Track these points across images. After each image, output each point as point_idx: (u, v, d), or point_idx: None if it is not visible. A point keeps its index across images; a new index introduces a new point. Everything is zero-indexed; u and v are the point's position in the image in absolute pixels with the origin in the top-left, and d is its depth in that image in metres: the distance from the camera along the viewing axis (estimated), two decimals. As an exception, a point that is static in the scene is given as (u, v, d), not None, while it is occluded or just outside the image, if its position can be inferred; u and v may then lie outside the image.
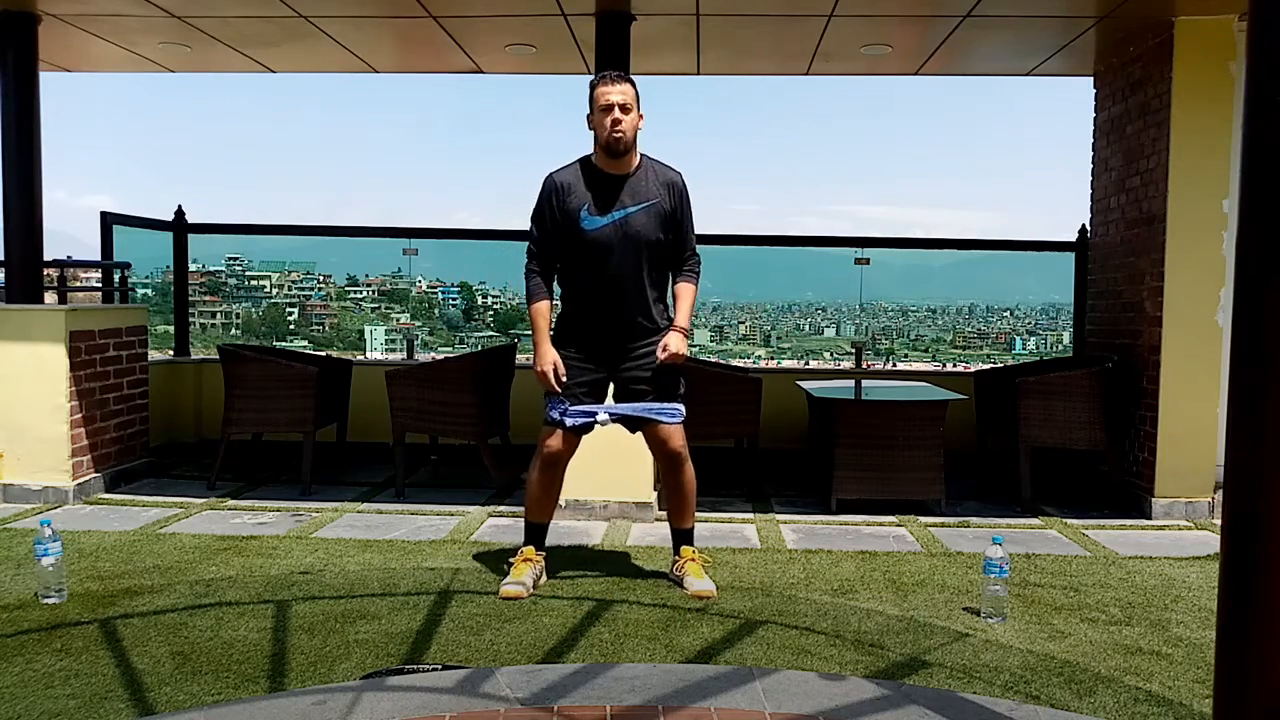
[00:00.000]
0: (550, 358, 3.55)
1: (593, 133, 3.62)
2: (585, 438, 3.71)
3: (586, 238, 3.54)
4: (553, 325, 3.71)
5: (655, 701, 2.52)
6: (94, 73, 6.60)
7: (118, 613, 3.30)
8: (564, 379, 3.56)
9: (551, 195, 3.57)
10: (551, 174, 3.61)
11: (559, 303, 3.79)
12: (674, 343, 3.56)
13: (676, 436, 3.63)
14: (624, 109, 3.48)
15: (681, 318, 3.64)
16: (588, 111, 3.60)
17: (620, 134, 3.48)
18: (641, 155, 3.62)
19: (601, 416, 3.60)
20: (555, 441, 3.60)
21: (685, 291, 3.68)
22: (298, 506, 5.05)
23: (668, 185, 3.59)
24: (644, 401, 3.61)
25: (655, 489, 4.95)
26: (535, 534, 3.75)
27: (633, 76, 5.06)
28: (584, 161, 3.63)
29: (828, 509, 5.11)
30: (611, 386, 3.69)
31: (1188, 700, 2.73)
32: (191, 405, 6.60)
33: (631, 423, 3.70)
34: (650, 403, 3.61)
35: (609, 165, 3.57)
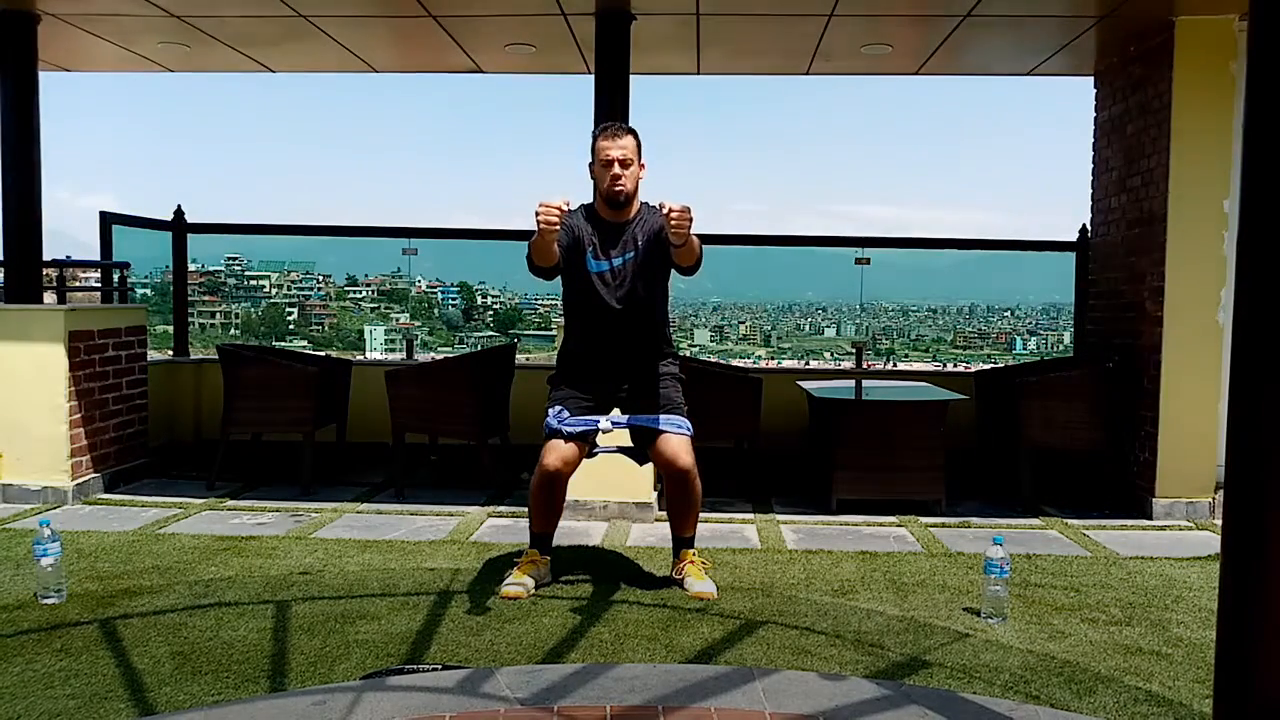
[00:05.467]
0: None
1: (594, 181, 3.62)
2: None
3: (588, 277, 3.57)
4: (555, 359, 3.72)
5: (655, 701, 2.52)
6: (94, 72, 6.60)
7: (117, 613, 3.30)
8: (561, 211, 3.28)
9: (559, 227, 3.57)
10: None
11: (561, 333, 3.83)
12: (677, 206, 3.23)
13: (685, 453, 3.55)
14: (624, 164, 3.49)
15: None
16: (590, 161, 3.61)
17: (620, 189, 3.51)
18: (642, 203, 3.63)
19: (604, 424, 3.57)
20: (554, 459, 3.51)
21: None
22: (297, 507, 5.04)
23: (653, 229, 3.57)
24: (648, 414, 3.61)
25: (655, 488, 4.95)
26: (539, 540, 3.74)
27: (635, 76, 5.11)
28: (587, 208, 3.67)
29: (828, 509, 5.11)
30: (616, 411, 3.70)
31: (1188, 700, 2.73)
32: (191, 405, 6.60)
33: (638, 452, 3.71)
34: (655, 414, 3.60)
35: (610, 214, 3.59)
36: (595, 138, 3.57)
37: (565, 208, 3.28)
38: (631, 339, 3.65)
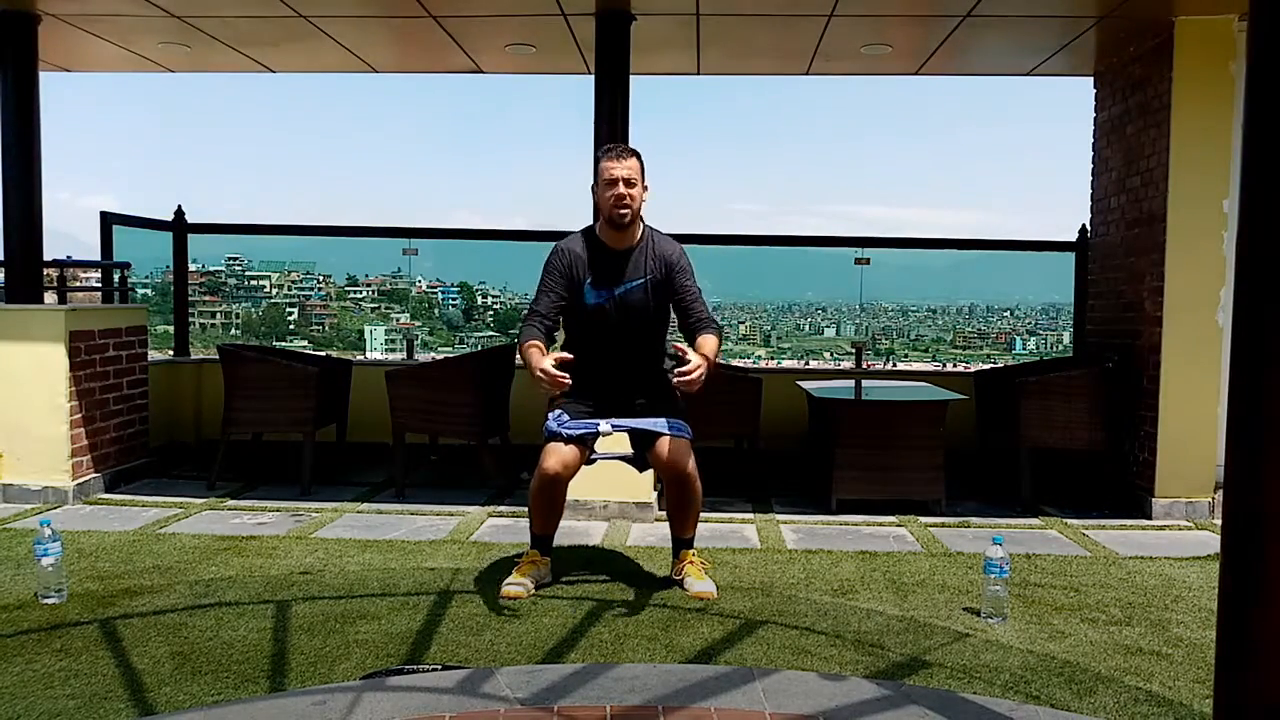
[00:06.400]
0: (542, 361, 3.32)
1: (597, 203, 3.62)
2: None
3: (588, 309, 3.59)
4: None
5: (655, 701, 2.52)
6: (95, 73, 6.61)
7: (118, 613, 3.30)
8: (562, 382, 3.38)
9: (557, 263, 3.60)
10: (558, 244, 3.66)
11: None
12: (695, 363, 3.29)
13: (684, 455, 3.54)
14: (628, 183, 3.50)
15: (708, 351, 3.41)
16: (592, 183, 3.63)
17: (624, 210, 3.51)
18: (645, 227, 3.64)
19: (604, 426, 3.57)
20: (554, 462, 3.50)
21: (708, 340, 3.46)
22: (297, 506, 5.05)
23: (662, 259, 3.59)
24: (647, 416, 3.60)
25: (655, 488, 4.95)
26: (539, 541, 3.74)
27: (635, 76, 5.12)
28: (589, 233, 3.67)
29: (828, 509, 5.11)
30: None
31: (1188, 700, 2.73)
32: (191, 405, 6.60)
33: (637, 458, 3.72)
34: (655, 417, 3.59)
35: (612, 239, 3.59)
36: (599, 158, 3.59)
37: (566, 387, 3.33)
38: (632, 361, 3.66)
